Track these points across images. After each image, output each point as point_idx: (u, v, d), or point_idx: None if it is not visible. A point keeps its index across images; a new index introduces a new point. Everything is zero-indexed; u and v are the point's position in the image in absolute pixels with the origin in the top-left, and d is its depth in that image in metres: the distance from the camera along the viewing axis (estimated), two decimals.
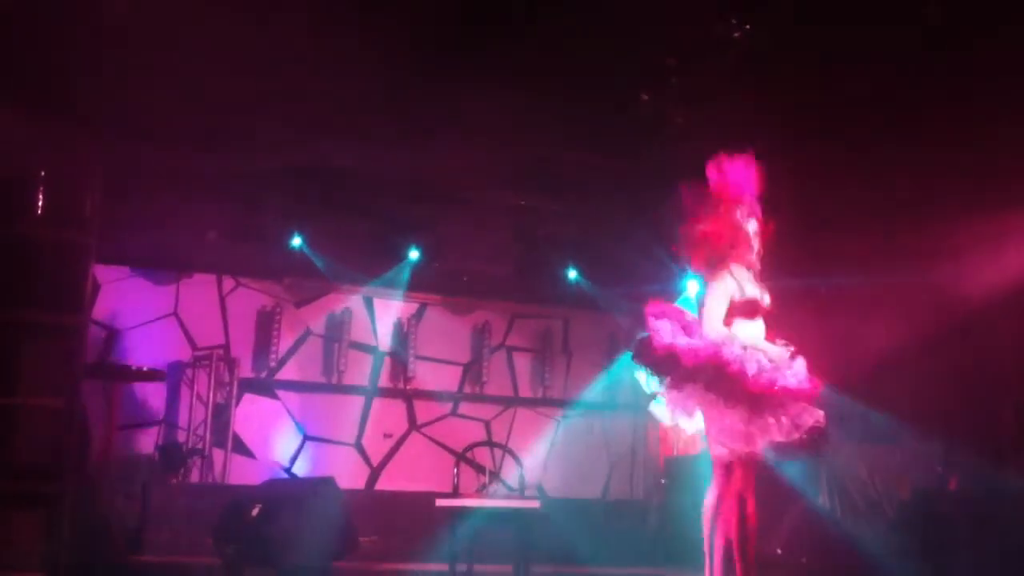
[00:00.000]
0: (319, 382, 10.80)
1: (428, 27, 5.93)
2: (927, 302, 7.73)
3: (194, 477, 9.88)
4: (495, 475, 8.94)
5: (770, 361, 5.09)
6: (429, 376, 11.13)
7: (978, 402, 7.91)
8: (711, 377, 5.04)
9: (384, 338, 11.05)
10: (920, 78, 6.11)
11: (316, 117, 7.26)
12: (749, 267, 5.34)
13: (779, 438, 5.00)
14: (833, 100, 6.51)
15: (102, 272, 9.63)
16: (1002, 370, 7.85)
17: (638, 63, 6.36)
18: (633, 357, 5.28)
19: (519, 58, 6.17)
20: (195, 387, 10.25)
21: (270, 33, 6.02)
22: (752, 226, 5.32)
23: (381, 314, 11.04)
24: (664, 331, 5.19)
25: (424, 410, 11.15)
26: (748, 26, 5.83)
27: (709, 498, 5.27)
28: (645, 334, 5.23)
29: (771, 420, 4.98)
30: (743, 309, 5.25)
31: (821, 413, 5.01)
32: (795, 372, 5.06)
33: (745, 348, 5.13)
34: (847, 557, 7.93)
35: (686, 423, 5.25)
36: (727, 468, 5.18)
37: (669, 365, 5.11)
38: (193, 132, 7.41)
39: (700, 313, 5.36)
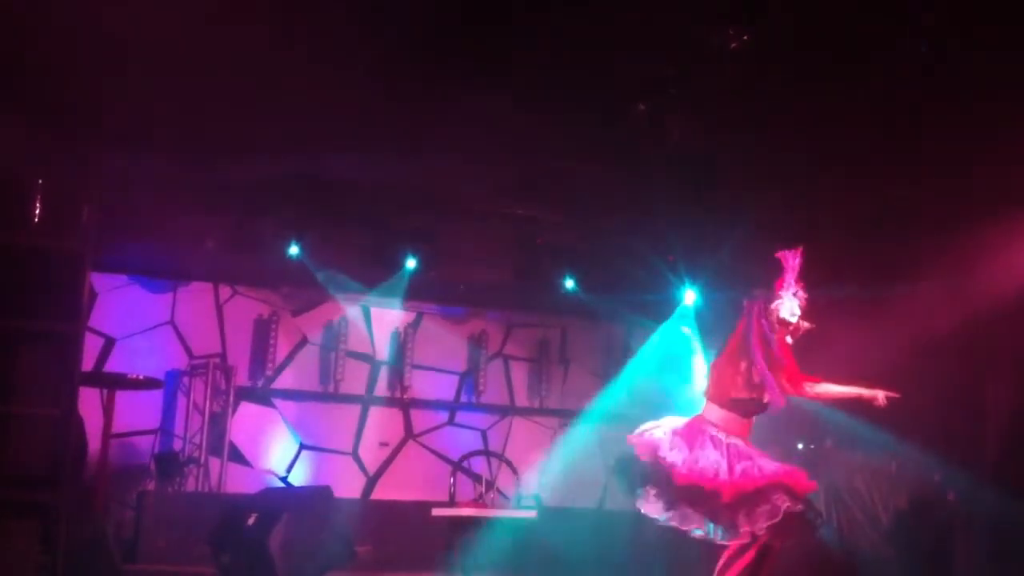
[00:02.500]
0: (316, 391, 10.78)
1: (426, 36, 5.94)
2: (923, 311, 7.73)
3: (190, 486, 9.85)
4: (491, 484, 8.94)
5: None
6: (426, 385, 11.12)
7: (976, 412, 7.91)
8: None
9: (381, 347, 11.04)
10: (922, 82, 6.12)
11: (314, 126, 7.27)
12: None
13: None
14: (833, 104, 6.52)
15: (99, 280, 9.61)
16: (1000, 379, 7.85)
17: (637, 72, 6.37)
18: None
19: (518, 67, 6.18)
20: (191, 396, 10.22)
21: (268, 43, 6.02)
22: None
23: (378, 323, 11.02)
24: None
25: (421, 419, 11.13)
26: (747, 36, 5.84)
27: (723, 558, 5.43)
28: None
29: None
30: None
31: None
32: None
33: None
34: (845, 568, 7.92)
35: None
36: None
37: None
38: (190, 141, 7.41)
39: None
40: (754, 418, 5.59)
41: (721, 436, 5.45)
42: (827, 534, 8.10)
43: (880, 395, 5.69)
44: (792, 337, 5.59)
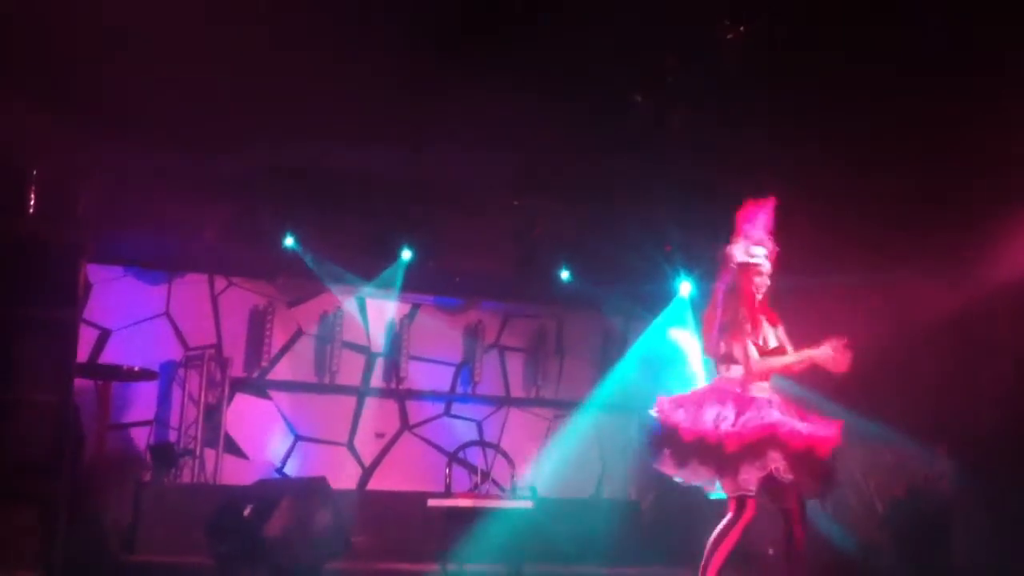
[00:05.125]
0: (311, 382, 10.77)
1: (426, 26, 5.93)
2: (921, 299, 7.75)
3: (186, 477, 9.85)
4: (487, 475, 8.94)
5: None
6: (421, 376, 11.12)
7: (971, 400, 7.93)
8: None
9: (376, 338, 11.03)
10: (924, 73, 6.14)
11: (310, 117, 7.26)
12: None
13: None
14: (834, 95, 6.53)
15: (94, 271, 9.60)
16: (995, 367, 7.87)
17: (636, 63, 6.37)
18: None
19: (516, 58, 6.18)
20: (187, 387, 10.20)
21: (266, 33, 6.01)
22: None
23: (374, 314, 11.01)
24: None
25: (416, 410, 11.13)
26: (744, 28, 5.84)
27: (718, 528, 5.40)
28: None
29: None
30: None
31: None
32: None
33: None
34: (842, 558, 7.95)
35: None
36: (739, 504, 5.35)
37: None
38: (187, 131, 7.39)
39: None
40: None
41: (736, 390, 5.49)
42: (824, 524, 8.13)
43: (828, 351, 5.52)
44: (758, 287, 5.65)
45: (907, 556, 7.76)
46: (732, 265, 5.62)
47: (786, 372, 5.63)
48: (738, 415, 5.34)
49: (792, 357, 5.57)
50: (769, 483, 5.29)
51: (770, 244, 5.63)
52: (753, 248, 5.60)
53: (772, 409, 5.38)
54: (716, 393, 5.51)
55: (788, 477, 5.26)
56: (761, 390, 5.49)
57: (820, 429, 5.33)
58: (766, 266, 5.63)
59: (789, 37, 6.03)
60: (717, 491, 5.48)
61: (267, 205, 9.13)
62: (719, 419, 5.34)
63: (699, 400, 5.50)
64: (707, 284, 9.78)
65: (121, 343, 10.00)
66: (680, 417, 5.40)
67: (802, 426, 5.31)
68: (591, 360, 11.63)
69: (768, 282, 5.65)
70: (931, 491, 7.91)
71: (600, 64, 6.40)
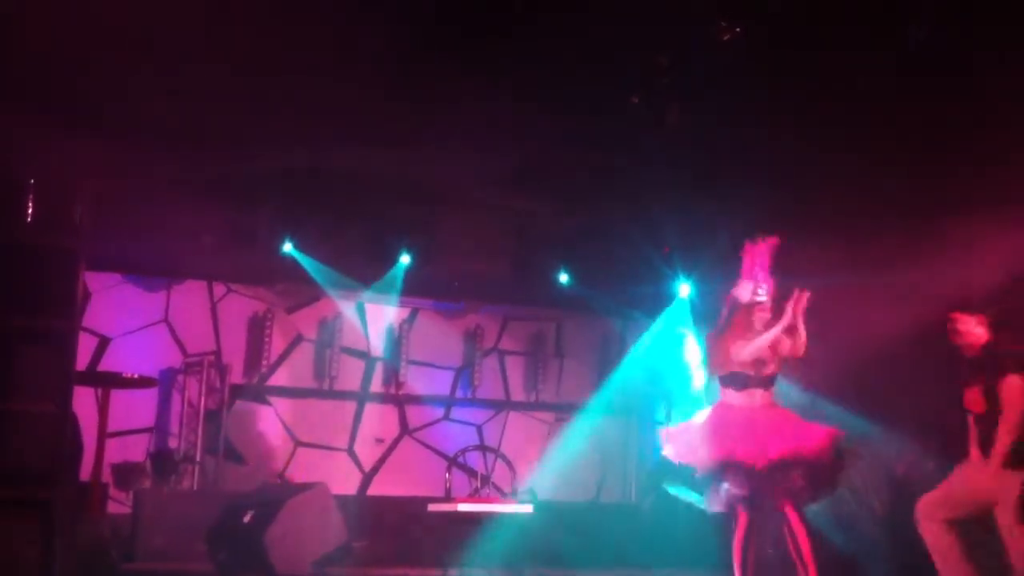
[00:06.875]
0: (311, 388, 10.78)
1: (422, 27, 5.93)
2: (917, 300, 7.74)
3: (186, 484, 9.86)
4: (487, 479, 8.95)
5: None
6: (421, 381, 11.13)
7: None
8: None
9: (376, 343, 11.05)
10: (924, 73, 6.15)
11: (308, 120, 7.26)
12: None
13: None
14: (832, 94, 6.54)
15: (92, 279, 9.62)
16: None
17: (634, 63, 6.37)
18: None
19: (513, 58, 6.17)
20: (186, 394, 10.23)
21: (262, 36, 6.01)
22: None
23: (373, 319, 11.03)
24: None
25: (416, 415, 11.15)
26: (740, 28, 5.84)
27: (736, 534, 6.05)
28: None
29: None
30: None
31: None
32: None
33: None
34: (839, 556, 7.94)
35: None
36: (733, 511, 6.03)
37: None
38: (185, 136, 7.40)
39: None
40: (762, 390, 6.07)
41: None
42: (824, 525, 8.12)
43: None
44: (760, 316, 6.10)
45: (905, 557, 7.75)
46: (738, 303, 6.14)
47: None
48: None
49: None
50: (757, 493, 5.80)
51: (772, 283, 6.13)
52: (759, 289, 6.12)
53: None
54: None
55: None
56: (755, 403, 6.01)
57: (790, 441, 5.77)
58: (767, 303, 6.15)
59: (789, 37, 6.02)
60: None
61: (264, 211, 9.13)
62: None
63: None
64: (705, 285, 9.85)
65: (120, 350, 10.02)
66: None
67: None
68: (590, 363, 11.64)
69: (768, 315, 6.11)
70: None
71: (598, 64, 6.39)
